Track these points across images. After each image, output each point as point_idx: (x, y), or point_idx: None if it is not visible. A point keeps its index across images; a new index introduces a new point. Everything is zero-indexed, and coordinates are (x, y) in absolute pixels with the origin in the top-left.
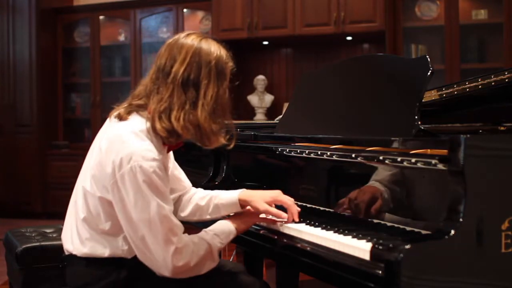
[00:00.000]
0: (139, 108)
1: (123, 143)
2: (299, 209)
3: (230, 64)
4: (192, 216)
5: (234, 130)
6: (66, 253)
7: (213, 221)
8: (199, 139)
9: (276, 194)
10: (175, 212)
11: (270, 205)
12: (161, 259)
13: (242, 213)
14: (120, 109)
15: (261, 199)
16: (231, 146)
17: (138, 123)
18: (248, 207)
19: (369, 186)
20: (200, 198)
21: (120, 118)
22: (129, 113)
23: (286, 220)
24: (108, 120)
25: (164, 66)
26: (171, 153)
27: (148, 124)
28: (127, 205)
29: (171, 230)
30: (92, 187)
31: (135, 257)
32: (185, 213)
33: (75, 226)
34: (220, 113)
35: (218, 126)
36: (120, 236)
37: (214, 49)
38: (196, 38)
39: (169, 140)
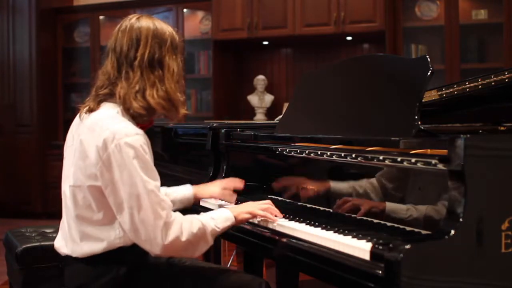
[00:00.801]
0: (106, 97)
1: (102, 127)
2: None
3: (179, 38)
4: None
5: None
6: (63, 255)
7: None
8: (170, 112)
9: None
10: None
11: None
12: (152, 235)
13: (242, 204)
14: (89, 103)
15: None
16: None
17: (111, 108)
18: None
19: (368, 185)
20: None
21: (91, 110)
22: (98, 103)
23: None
24: (77, 117)
25: (128, 52)
26: None
27: (121, 107)
28: (115, 184)
29: (159, 204)
30: (79, 180)
31: (133, 252)
32: None
33: (68, 229)
34: (181, 83)
35: (182, 95)
36: (115, 223)
37: (166, 27)
38: (148, 20)
39: (143, 119)
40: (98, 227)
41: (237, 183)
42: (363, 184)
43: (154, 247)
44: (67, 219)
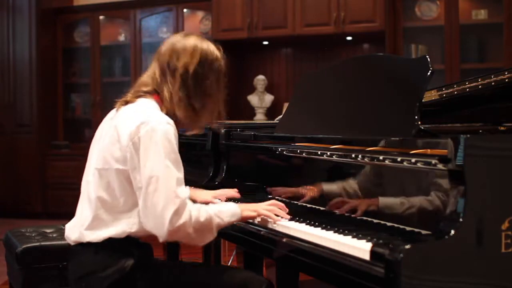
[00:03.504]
0: (146, 93)
1: (139, 113)
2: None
3: (223, 62)
4: None
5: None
6: (73, 244)
7: None
8: (191, 125)
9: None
10: None
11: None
12: (160, 219)
13: (249, 203)
14: (127, 97)
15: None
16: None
17: (148, 102)
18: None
19: (367, 186)
20: None
21: (128, 102)
22: (136, 97)
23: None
24: (112, 111)
25: (169, 62)
26: None
27: (162, 108)
28: (141, 164)
29: (174, 191)
30: (107, 163)
31: (139, 247)
32: None
33: (83, 214)
34: (216, 106)
35: (213, 116)
36: (133, 211)
37: (214, 49)
38: (197, 39)
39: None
40: (115, 214)
41: (230, 192)
42: (360, 183)
43: (161, 230)
44: (88, 200)
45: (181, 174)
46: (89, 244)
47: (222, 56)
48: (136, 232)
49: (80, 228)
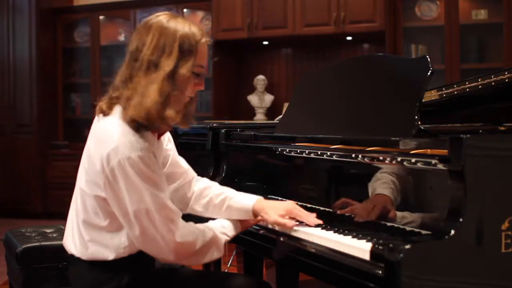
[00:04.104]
0: (118, 100)
1: (108, 138)
2: (314, 215)
3: (204, 39)
4: (205, 212)
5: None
6: (69, 254)
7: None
8: (149, 125)
9: (290, 208)
10: (188, 204)
11: (283, 218)
12: (164, 244)
13: None
14: (103, 104)
15: (274, 212)
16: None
17: (119, 115)
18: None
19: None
20: (215, 195)
21: (104, 113)
22: (110, 106)
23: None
24: (96, 117)
25: (136, 51)
26: (168, 139)
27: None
28: (122, 200)
29: (168, 218)
30: (87, 187)
31: (139, 262)
32: (198, 206)
33: (77, 228)
34: (176, 91)
35: (170, 112)
36: (121, 231)
37: (181, 27)
38: (164, 18)
39: (152, 127)
40: (105, 233)
41: (310, 219)
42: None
43: (167, 255)
44: (76, 220)
45: (166, 192)
46: (84, 260)
47: (195, 32)
48: (130, 252)
49: (71, 243)
